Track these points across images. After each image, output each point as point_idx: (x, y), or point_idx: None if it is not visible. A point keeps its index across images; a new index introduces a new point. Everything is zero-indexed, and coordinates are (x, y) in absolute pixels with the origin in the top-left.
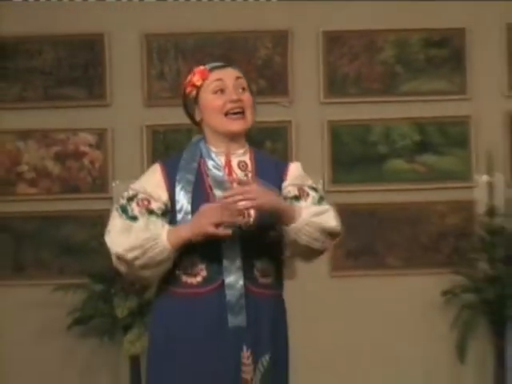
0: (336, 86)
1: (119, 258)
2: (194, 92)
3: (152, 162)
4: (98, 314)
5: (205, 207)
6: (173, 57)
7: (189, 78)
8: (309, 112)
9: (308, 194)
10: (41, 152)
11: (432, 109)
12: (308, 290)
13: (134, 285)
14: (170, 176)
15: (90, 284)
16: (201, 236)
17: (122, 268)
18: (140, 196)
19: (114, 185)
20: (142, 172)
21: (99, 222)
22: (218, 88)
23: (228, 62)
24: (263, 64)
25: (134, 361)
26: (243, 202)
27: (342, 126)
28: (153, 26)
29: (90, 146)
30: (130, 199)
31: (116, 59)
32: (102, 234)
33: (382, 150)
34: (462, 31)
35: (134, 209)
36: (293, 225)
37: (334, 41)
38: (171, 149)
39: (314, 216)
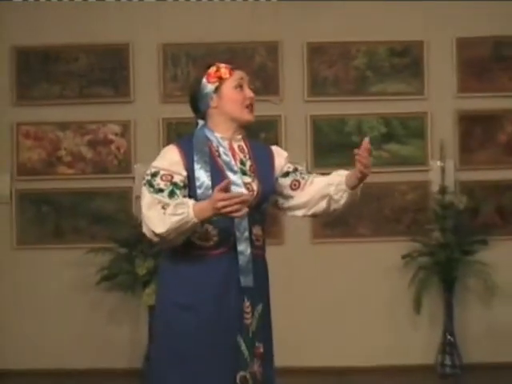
0: (317, 86)
1: (156, 235)
2: (217, 83)
3: None
4: (122, 272)
5: (219, 196)
6: (184, 62)
7: (212, 70)
8: (295, 108)
9: (300, 166)
10: (76, 140)
11: (395, 106)
12: (292, 254)
13: (152, 248)
14: (187, 156)
15: (115, 248)
16: (219, 215)
17: (155, 239)
18: (162, 172)
19: (135, 167)
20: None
21: (124, 196)
22: (240, 84)
23: (240, 65)
24: (258, 69)
25: (152, 310)
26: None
27: (322, 120)
28: (168, 38)
29: (116, 134)
30: (154, 175)
31: (138, 64)
32: (126, 207)
33: (355, 139)
34: (421, 43)
35: (160, 183)
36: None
37: (315, 50)
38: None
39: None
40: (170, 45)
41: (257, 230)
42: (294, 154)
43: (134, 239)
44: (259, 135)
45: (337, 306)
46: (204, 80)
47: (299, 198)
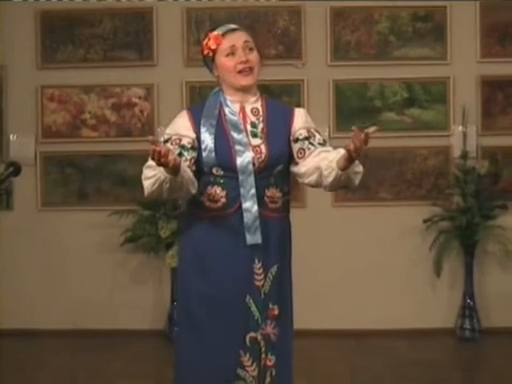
0: (340, 51)
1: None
2: (211, 54)
3: None
4: (145, 234)
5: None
6: (208, 26)
7: (205, 41)
8: (318, 72)
9: (315, 136)
10: (100, 103)
11: (418, 71)
12: (315, 217)
13: (175, 210)
14: (195, 120)
15: (139, 210)
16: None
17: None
18: (173, 137)
19: (158, 130)
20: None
21: (147, 159)
22: (230, 51)
23: (237, 26)
24: (281, 33)
25: (174, 273)
26: None
27: (344, 84)
28: (192, 1)
29: (140, 98)
30: (166, 141)
31: (162, 28)
32: None
33: (377, 104)
34: (444, 8)
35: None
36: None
37: (338, 15)
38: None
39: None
40: (194, 9)
41: (272, 193)
42: (316, 118)
43: (157, 202)
44: (282, 99)
45: (357, 269)
46: (203, 51)
47: (301, 166)
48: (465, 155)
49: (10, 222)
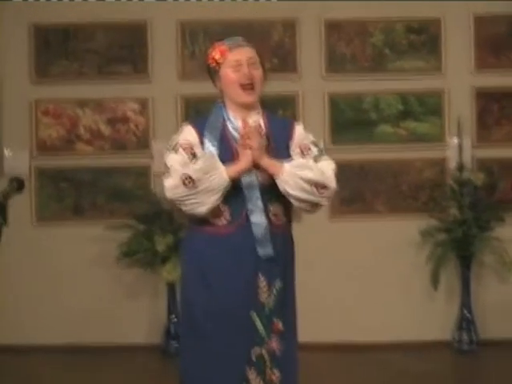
0: (335, 64)
1: (186, 177)
2: (216, 66)
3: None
4: (141, 248)
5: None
6: (202, 40)
7: (211, 52)
8: (312, 85)
9: (310, 149)
10: (95, 117)
11: (413, 83)
12: (311, 231)
13: (172, 224)
14: (200, 133)
15: (135, 224)
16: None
17: (185, 190)
18: (184, 146)
19: (153, 144)
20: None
21: (143, 173)
22: (235, 65)
23: (244, 41)
24: (276, 46)
25: (171, 287)
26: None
27: (339, 97)
28: (186, 15)
29: (135, 112)
30: (175, 146)
31: (156, 42)
32: (145, 184)
33: (373, 116)
34: (438, 20)
35: (182, 152)
36: (280, 177)
37: (333, 27)
38: (200, 114)
39: (297, 168)
40: (188, 22)
41: (275, 209)
42: (311, 131)
43: (153, 215)
44: (276, 112)
45: (354, 282)
46: (208, 61)
47: (279, 185)
48: (460, 167)
49: (4, 237)
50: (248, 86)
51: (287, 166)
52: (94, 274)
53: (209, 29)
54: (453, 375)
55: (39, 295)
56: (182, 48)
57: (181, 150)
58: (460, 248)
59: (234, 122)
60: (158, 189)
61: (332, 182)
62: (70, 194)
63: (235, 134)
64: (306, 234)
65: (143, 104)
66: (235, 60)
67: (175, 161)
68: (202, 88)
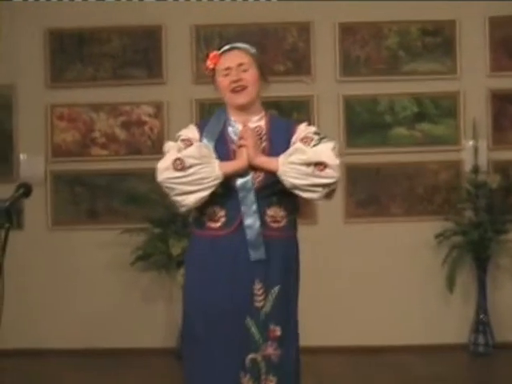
0: (349, 66)
1: (177, 159)
2: (211, 73)
3: None
4: (156, 252)
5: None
6: (217, 44)
7: (206, 61)
8: (327, 88)
9: (311, 139)
10: (110, 121)
11: (428, 86)
12: (326, 234)
13: (186, 228)
14: (201, 133)
15: (150, 228)
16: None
17: (173, 173)
18: (183, 138)
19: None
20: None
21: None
22: (226, 72)
23: (239, 45)
24: (290, 49)
25: None
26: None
27: (354, 100)
28: (200, 19)
29: (150, 116)
30: (176, 138)
31: (171, 45)
32: (160, 188)
33: (387, 119)
34: (453, 22)
35: (179, 143)
36: (279, 171)
37: (347, 30)
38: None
39: (289, 156)
40: (203, 26)
41: (274, 212)
42: (327, 134)
43: (168, 219)
44: (292, 115)
45: (370, 285)
46: (206, 70)
47: (282, 181)
48: (476, 169)
49: (20, 241)
50: (237, 88)
51: (281, 157)
52: (109, 278)
53: (223, 32)
54: (469, 378)
55: (55, 299)
56: (197, 52)
57: (179, 141)
58: (476, 251)
59: (235, 125)
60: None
61: (331, 159)
62: (85, 198)
63: (234, 137)
64: (321, 236)
65: (158, 108)
66: (225, 68)
67: (171, 147)
68: (215, 91)
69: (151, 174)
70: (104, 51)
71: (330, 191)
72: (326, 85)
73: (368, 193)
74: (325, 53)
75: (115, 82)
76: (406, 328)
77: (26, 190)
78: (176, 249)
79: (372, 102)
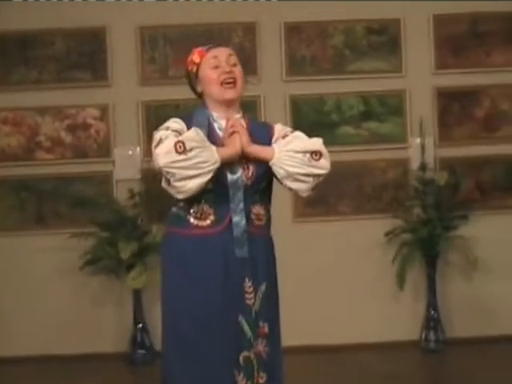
0: (296, 66)
1: (178, 142)
2: (195, 68)
3: (146, 131)
4: (105, 256)
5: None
6: (162, 45)
7: (189, 57)
8: (274, 88)
9: (289, 135)
10: (55, 125)
11: (374, 84)
12: (275, 234)
13: (136, 231)
14: (188, 126)
15: (98, 232)
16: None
17: (176, 156)
18: (173, 128)
19: (115, 150)
20: (139, 140)
21: (104, 180)
22: (214, 64)
23: (221, 42)
24: (236, 50)
25: (136, 294)
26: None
27: (301, 99)
28: (145, 20)
29: (95, 118)
30: (166, 127)
31: (115, 47)
32: (107, 191)
33: (334, 118)
34: (398, 21)
35: (172, 132)
36: (274, 160)
37: (293, 30)
38: (162, 120)
39: (287, 144)
40: (147, 27)
41: (258, 210)
42: None
43: (117, 223)
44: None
45: (320, 284)
46: (186, 68)
47: (276, 170)
48: (423, 167)
49: None
50: (229, 80)
51: (277, 147)
52: (58, 283)
53: (168, 33)
54: (421, 374)
55: (3, 306)
56: (142, 53)
57: (170, 131)
58: (425, 248)
59: (219, 121)
60: (121, 196)
61: (324, 149)
62: (31, 203)
63: (220, 133)
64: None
65: (103, 110)
66: (213, 57)
67: (166, 134)
68: (162, 94)
69: (98, 177)
70: (48, 54)
71: (317, 183)
72: (273, 85)
73: (316, 192)
74: (271, 53)
75: (60, 85)
76: (360, 326)
77: None
78: (125, 252)
79: (319, 101)
